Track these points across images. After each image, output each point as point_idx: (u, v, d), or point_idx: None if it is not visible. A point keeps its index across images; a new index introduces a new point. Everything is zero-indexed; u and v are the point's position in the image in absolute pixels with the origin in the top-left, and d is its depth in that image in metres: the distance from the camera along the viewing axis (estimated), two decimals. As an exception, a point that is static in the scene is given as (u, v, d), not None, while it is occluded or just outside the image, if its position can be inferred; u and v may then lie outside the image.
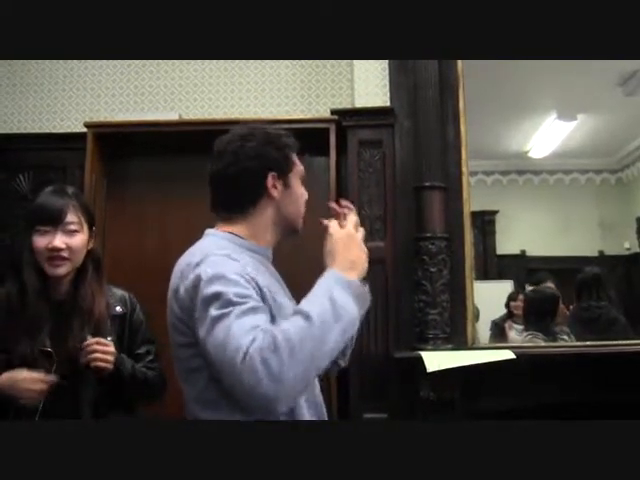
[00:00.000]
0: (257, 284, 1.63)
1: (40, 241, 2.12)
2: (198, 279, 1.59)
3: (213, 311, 1.52)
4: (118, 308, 2.28)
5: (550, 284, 4.34)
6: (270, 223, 1.83)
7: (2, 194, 3.85)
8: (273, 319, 1.60)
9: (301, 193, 1.89)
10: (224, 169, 1.81)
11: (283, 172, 1.83)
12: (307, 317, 1.47)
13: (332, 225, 1.72)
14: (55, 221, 2.13)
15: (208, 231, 1.84)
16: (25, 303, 2.10)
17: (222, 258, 1.63)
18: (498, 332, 4.21)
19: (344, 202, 1.85)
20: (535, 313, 4.08)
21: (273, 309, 1.64)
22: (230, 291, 1.54)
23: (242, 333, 1.46)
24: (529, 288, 4.52)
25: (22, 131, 4.04)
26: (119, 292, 2.34)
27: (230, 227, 1.81)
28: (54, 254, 2.12)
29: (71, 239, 2.15)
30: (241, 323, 1.48)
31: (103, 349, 2.11)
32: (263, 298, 1.63)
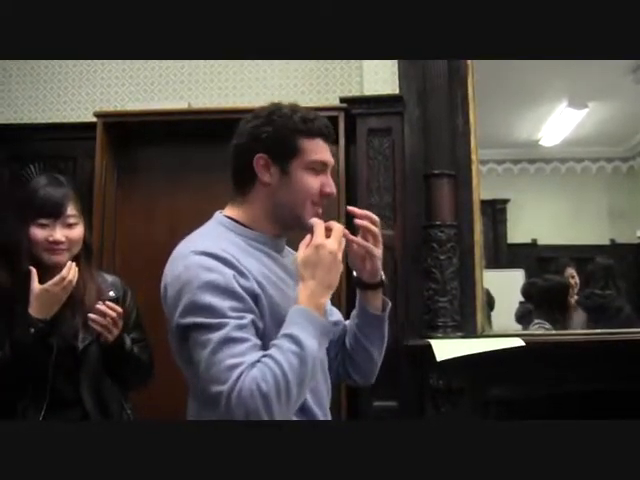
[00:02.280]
0: (241, 277, 1.56)
1: (40, 233, 2.13)
2: (173, 282, 1.58)
3: (192, 332, 1.51)
4: (111, 293, 2.29)
5: (572, 271, 4.32)
6: (266, 210, 1.70)
7: (13, 184, 3.87)
8: (262, 314, 1.58)
9: (306, 184, 1.68)
10: (229, 148, 1.75)
11: (279, 156, 1.67)
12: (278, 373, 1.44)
13: (319, 232, 1.60)
14: (56, 215, 2.15)
15: (215, 214, 1.78)
16: (20, 294, 2.10)
17: (202, 258, 1.56)
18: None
19: (363, 213, 1.77)
20: (545, 302, 4.07)
21: (264, 302, 1.59)
22: (212, 306, 1.50)
23: (223, 369, 1.44)
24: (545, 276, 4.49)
25: (33, 121, 4.05)
26: (110, 278, 2.37)
27: (231, 210, 1.74)
28: (53, 246, 2.14)
29: (71, 231, 2.17)
30: (222, 356, 1.46)
31: (109, 320, 2.12)
32: (251, 289, 1.57)
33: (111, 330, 2.12)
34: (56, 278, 2.04)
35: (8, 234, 2.16)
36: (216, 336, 1.47)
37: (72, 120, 4.00)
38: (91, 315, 2.09)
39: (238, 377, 1.42)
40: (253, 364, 1.44)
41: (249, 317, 1.52)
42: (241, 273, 1.56)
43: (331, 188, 1.72)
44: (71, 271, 2.07)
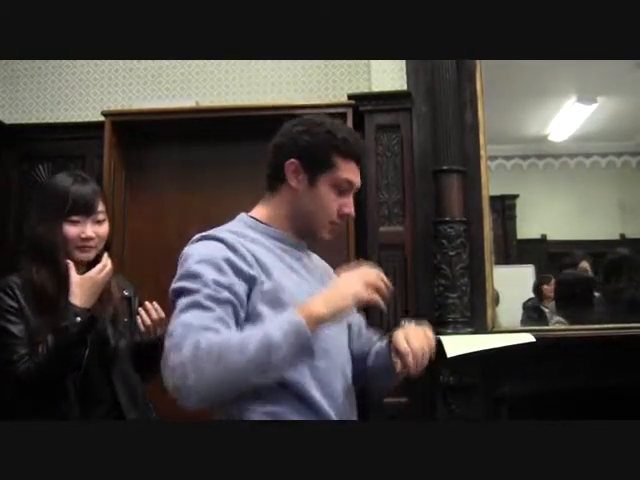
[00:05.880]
0: (241, 265, 1.61)
1: (72, 230, 2.16)
2: (179, 261, 1.66)
3: (177, 296, 1.59)
4: (125, 292, 2.35)
5: (586, 264, 4.30)
6: (287, 213, 1.76)
7: (22, 184, 3.88)
8: (274, 303, 1.61)
9: (328, 201, 1.74)
10: (269, 145, 1.81)
11: (311, 166, 1.72)
12: (242, 347, 1.46)
13: (367, 271, 1.60)
14: (88, 212, 2.19)
15: (239, 214, 1.84)
16: (56, 290, 2.13)
17: (207, 241, 1.66)
18: (536, 316, 4.16)
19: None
20: (566, 297, 4.04)
21: (266, 287, 1.63)
22: (197, 273, 1.58)
23: (179, 325, 1.51)
24: (565, 271, 4.47)
25: (41, 121, 4.05)
26: (122, 278, 2.43)
27: (256, 210, 1.81)
28: (85, 243, 2.17)
29: (100, 228, 2.21)
30: (185, 316, 1.52)
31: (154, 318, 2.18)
32: (247, 273, 1.61)
33: (154, 331, 2.17)
34: (98, 266, 2.10)
35: (44, 233, 2.16)
36: (189, 299, 1.55)
37: (80, 120, 4.01)
38: (141, 310, 2.17)
39: (187, 333, 1.48)
40: (206, 327, 1.49)
41: (227, 295, 1.56)
42: (241, 256, 1.62)
43: (350, 209, 1.78)
44: (109, 260, 2.14)
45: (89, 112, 4.03)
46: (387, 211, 3.51)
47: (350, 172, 1.76)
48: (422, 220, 3.46)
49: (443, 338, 3.11)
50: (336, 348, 1.74)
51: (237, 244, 1.63)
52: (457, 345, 3.06)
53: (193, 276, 1.57)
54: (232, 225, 1.78)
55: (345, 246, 3.45)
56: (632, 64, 4.41)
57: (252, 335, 1.48)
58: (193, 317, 1.51)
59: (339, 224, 1.80)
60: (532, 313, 4.16)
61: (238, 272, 1.60)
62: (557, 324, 3.79)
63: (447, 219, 3.32)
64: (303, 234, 1.80)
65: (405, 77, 3.61)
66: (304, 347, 1.50)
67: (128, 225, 3.79)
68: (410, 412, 3.32)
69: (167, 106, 3.78)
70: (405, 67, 3.62)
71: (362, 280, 1.56)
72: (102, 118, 3.74)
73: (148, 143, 3.88)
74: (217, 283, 1.56)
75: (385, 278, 1.61)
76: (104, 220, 2.23)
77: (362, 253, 3.48)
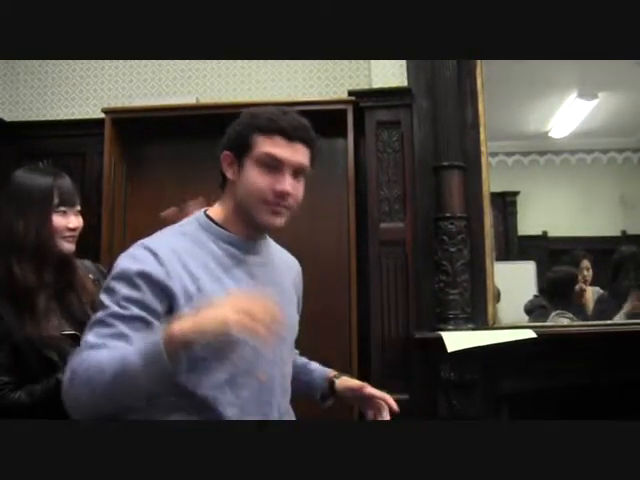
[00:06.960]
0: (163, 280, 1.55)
1: (61, 221, 2.14)
2: None
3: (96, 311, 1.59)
4: (91, 276, 2.32)
5: (587, 263, 4.30)
6: (233, 207, 1.70)
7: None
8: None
9: (255, 180, 1.63)
10: None
11: (237, 153, 1.66)
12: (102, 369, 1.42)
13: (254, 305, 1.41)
14: (73, 202, 2.18)
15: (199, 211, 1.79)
16: (46, 284, 2.11)
17: (139, 251, 1.62)
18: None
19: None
20: (555, 293, 4.06)
21: (195, 297, 1.56)
22: (113, 290, 1.56)
23: (82, 343, 1.52)
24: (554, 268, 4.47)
25: (41, 118, 4.06)
26: (87, 263, 2.40)
27: (213, 209, 1.75)
28: (71, 233, 2.16)
29: (78, 219, 2.21)
30: (88, 334, 1.52)
31: None
32: (170, 288, 1.55)
33: None
34: None
35: (28, 227, 2.12)
36: (98, 316, 1.53)
37: (80, 117, 4.03)
38: None
39: (79, 352, 1.49)
40: (93, 345, 1.48)
41: (135, 311, 1.51)
42: (165, 270, 1.56)
43: (282, 186, 1.63)
44: None
45: (89, 109, 4.04)
46: (388, 207, 3.51)
47: (272, 146, 1.63)
48: (423, 216, 3.46)
49: (444, 334, 3.11)
50: (266, 361, 1.65)
51: (165, 258, 1.58)
52: (458, 341, 3.06)
53: (109, 291, 1.55)
54: (183, 226, 1.73)
55: (346, 243, 3.45)
56: (633, 60, 4.40)
57: (115, 357, 1.43)
58: (92, 335, 1.50)
59: (279, 204, 1.65)
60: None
61: (155, 285, 1.54)
62: (558, 318, 3.79)
63: (448, 215, 3.33)
64: (249, 225, 1.69)
65: (405, 73, 3.61)
66: (165, 367, 1.38)
67: (128, 221, 3.79)
68: (411, 408, 3.32)
69: (167, 103, 3.79)
70: (405, 63, 3.61)
71: (236, 307, 1.38)
72: (102, 115, 3.75)
73: (148, 140, 3.89)
74: (127, 299, 1.52)
75: (271, 313, 1.41)
76: (80, 212, 2.22)
77: (363, 250, 3.48)
